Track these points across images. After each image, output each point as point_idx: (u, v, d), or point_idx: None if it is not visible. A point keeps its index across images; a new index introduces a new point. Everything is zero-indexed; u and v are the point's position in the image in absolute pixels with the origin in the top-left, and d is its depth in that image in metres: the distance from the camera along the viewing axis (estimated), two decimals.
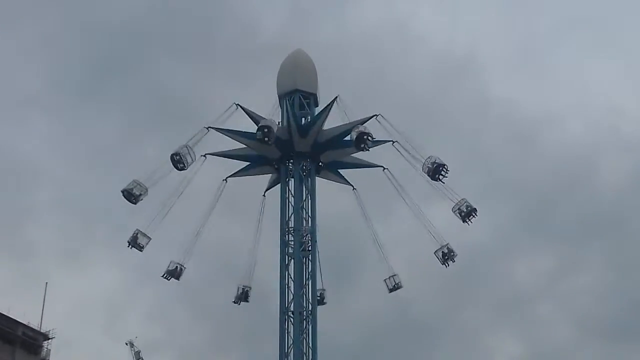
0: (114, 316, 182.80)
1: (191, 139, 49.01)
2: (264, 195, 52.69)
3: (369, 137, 48.17)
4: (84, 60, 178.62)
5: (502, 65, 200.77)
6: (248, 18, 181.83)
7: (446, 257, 50.01)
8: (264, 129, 47.43)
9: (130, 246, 49.52)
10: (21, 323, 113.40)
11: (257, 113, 50.21)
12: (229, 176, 51.46)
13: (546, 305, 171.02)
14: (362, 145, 48.55)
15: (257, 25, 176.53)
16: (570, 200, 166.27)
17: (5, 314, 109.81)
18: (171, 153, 48.13)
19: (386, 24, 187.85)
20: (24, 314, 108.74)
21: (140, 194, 48.72)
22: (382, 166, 51.45)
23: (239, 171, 52.03)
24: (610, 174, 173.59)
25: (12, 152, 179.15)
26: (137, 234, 49.31)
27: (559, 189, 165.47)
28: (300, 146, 50.81)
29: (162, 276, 50.51)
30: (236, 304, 52.75)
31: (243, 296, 52.74)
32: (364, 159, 51.40)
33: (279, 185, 51.94)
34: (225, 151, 51.51)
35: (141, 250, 50.04)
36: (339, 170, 52.36)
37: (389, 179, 51.08)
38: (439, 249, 50.06)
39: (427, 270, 53.60)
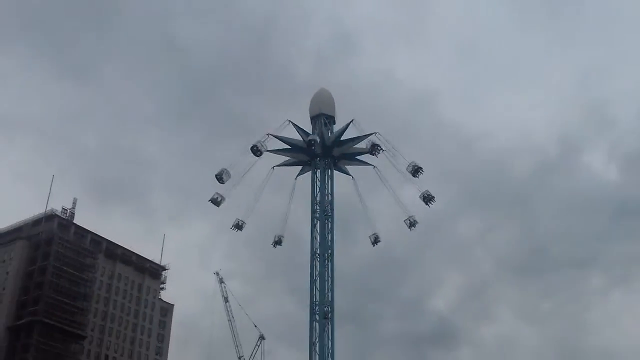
0: (204, 256, 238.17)
1: (258, 140, 73.21)
2: (295, 179, 77.80)
3: (379, 147, 73.35)
4: (181, 93, 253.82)
5: (453, 96, 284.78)
6: (286, 66, 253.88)
7: (411, 224, 74.96)
8: (312, 141, 73.36)
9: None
10: (148, 259, 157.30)
11: (302, 127, 76.20)
12: (276, 165, 77.08)
13: (478, 251, 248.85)
14: (373, 152, 73.27)
15: (293, 70, 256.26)
16: (493, 184, 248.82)
17: (139, 253, 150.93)
18: (251, 145, 71.45)
19: (379, 69, 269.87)
20: (150, 254, 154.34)
21: (225, 178, 73.15)
22: (372, 165, 76.42)
23: (283, 163, 77.07)
24: (520, 167, 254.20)
25: (136, 152, 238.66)
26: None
27: (486, 177, 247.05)
28: (334, 151, 76.39)
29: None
30: (273, 247, 76.94)
31: (279, 242, 76.89)
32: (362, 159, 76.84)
33: (308, 173, 76.63)
34: (280, 150, 76.50)
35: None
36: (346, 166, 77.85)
37: (377, 174, 76.12)
38: (407, 219, 74.98)
39: (402, 228, 77.10)
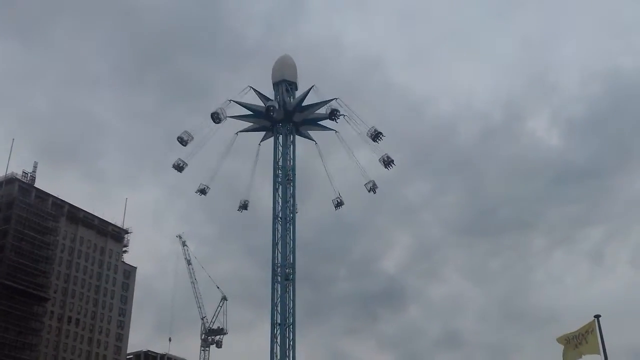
0: (160, 219, 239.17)
1: (218, 107, 74.23)
2: (259, 145, 79.22)
3: (338, 112, 75.10)
4: (133, 55, 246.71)
5: (401, 62, 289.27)
6: (238, 30, 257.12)
7: (372, 188, 76.77)
8: (271, 107, 74.66)
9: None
10: (111, 223, 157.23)
11: (263, 94, 77.22)
12: (240, 131, 78.13)
13: (426, 214, 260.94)
14: (333, 117, 75.02)
15: (244, 35, 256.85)
16: (441, 149, 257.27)
17: (101, 217, 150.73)
18: (211, 112, 72.27)
19: (327, 36, 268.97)
20: (112, 217, 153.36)
21: (188, 140, 73.96)
22: (335, 130, 77.99)
23: (246, 129, 78.25)
24: (466, 133, 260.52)
25: (88, 114, 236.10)
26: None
27: (435, 142, 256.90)
28: (296, 117, 77.84)
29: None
30: (239, 211, 78.31)
31: (244, 206, 78.37)
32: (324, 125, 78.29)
33: (271, 138, 77.97)
34: (241, 116, 77.84)
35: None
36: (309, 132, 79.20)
37: (339, 139, 77.76)
38: (367, 183, 76.73)
39: (356, 191, 79.53)
